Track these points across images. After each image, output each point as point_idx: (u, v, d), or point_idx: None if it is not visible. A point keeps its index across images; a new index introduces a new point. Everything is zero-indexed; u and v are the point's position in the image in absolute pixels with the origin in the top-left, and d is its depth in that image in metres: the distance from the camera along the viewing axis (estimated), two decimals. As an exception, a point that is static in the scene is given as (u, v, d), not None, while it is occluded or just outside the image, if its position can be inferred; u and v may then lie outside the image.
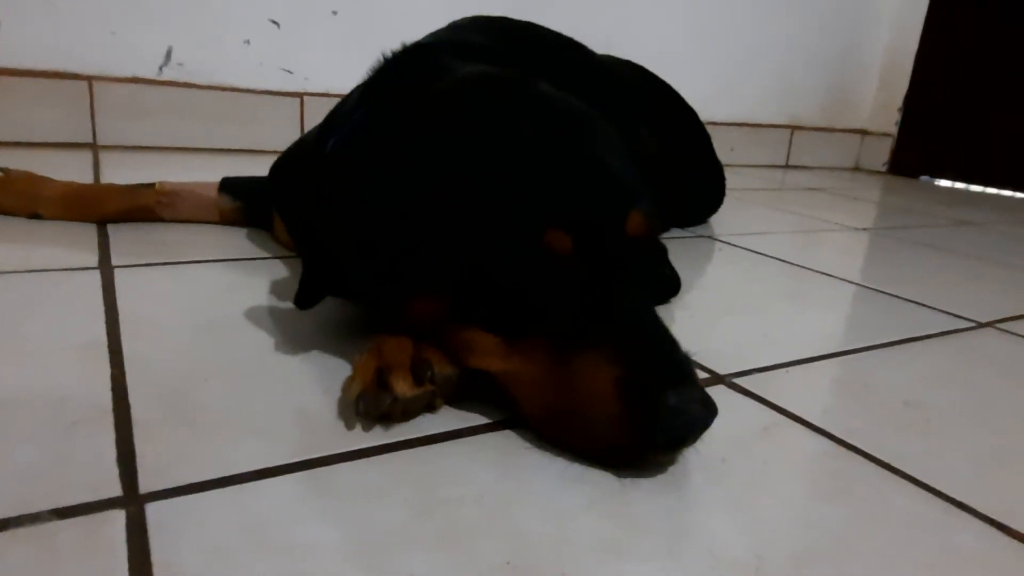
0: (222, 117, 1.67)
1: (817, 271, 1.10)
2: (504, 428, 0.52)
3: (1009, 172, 2.46)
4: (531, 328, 0.50)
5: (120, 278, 0.76)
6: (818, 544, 0.43)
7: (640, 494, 0.46)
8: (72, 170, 1.17)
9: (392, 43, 0.73)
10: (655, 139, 1.11)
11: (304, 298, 0.59)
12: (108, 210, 0.96)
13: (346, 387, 0.51)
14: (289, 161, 0.90)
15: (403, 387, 0.50)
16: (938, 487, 0.50)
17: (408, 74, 0.66)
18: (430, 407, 0.53)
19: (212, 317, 0.68)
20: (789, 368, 0.70)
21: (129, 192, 0.97)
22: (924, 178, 2.69)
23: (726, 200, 1.44)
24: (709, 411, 0.46)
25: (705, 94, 2.12)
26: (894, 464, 0.53)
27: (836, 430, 0.57)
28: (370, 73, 0.71)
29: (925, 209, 1.94)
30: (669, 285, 0.88)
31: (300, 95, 1.75)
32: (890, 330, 0.85)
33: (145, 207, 0.97)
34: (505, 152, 0.52)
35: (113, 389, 0.52)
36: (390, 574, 0.37)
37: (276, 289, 0.78)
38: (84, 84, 1.52)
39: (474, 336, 0.52)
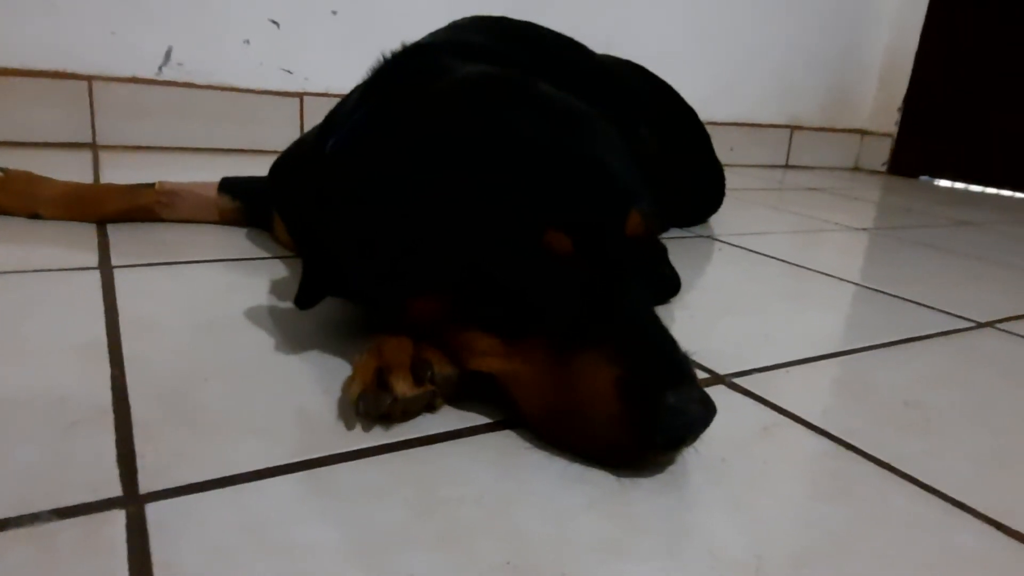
0: (222, 117, 1.67)
1: (817, 271, 1.10)
2: (504, 428, 0.52)
3: (1009, 172, 2.46)
4: (531, 328, 0.50)
5: (120, 278, 0.76)
6: (818, 544, 0.43)
7: (640, 494, 0.46)
8: (72, 170, 1.17)
9: (392, 43, 0.73)
10: (655, 139, 1.11)
11: (304, 298, 0.59)
12: (108, 210, 0.96)
13: (346, 387, 0.51)
14: (289, 161, 0.90)
15: (403, 387, 0.50)
16: (938, 487, 0.50)
17: (408, 74, 0.66)
18: (430, 407, 0.53)
19: (212, 317, 0.68)
20: (789, 368, 0.70)
21: (129, 192, 0.97)
22: (924, 178, 2.69)
23: (726, 200, 1.44)
24: (708, 411, 0.46)
25: (705, 94, 2.12)
26: (894, 464, 0.53)
27: (836, 430, 0.57)
28: (370, 73, 0.71)
29: (925, 209, 1.94)
30: (669, 285, 0.88)
31: (300, 95, 1.75)
32: (890, 330, 0.85)
33: (145, 207, 0.97)
34: (505, 152, 0.52)
35: (113, 389, 0.52)
36: (390, 574, 0.37)
37: (276, 289, 0.78)
38: (84, 84, 1.52)
39: (474, 336, 0.52)
